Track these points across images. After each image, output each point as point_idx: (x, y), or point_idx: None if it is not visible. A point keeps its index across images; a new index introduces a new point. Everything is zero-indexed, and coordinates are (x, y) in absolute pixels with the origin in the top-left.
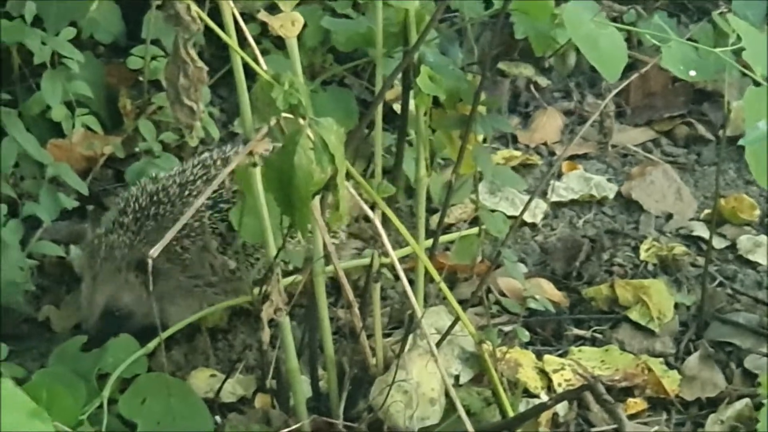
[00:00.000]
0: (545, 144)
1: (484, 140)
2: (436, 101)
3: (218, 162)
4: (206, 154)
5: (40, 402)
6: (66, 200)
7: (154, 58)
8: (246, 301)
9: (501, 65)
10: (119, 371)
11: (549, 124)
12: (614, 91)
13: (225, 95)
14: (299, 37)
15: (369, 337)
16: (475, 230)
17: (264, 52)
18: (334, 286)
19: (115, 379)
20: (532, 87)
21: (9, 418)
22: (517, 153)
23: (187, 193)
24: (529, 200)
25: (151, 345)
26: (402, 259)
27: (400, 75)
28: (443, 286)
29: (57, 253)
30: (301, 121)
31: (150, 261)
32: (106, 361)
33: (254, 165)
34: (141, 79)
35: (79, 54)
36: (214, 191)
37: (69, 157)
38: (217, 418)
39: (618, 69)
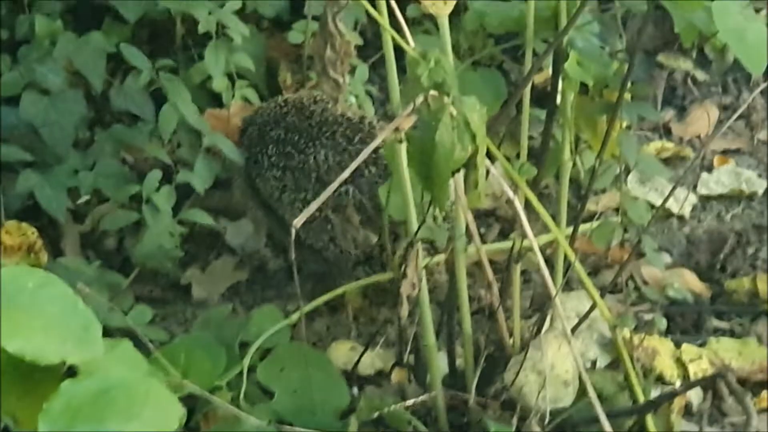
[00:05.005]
0: (699, 137)
1: (629, 127)
2: (585, 87)
3: None
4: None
5: (177, 364)
6: (220, 170)
7: (314, 33)
8: (387, 279)
9: (660, 57)
10: (261, 340)
11: (704, 118)
12: (762, 86)
13: (384, 74)
14: (460, 20)
15: (508, 318)
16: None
17: (426, 32)
18: (477, 267)
19: (257, 349)
20: (689, 80)
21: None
22: (670, 145)
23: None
24: (673, 188)
25: (295, 317)
26: (549, 245)
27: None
28: (579, 267)
29: (207, 221)
30: (445, 98)
31: (293, 230)
32: (250, 331)
33: (400, 141)
34: (302, 53)
35: (244, 27)
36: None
37: (226, 127)
38: (355, 389)
39: (763, 62)
